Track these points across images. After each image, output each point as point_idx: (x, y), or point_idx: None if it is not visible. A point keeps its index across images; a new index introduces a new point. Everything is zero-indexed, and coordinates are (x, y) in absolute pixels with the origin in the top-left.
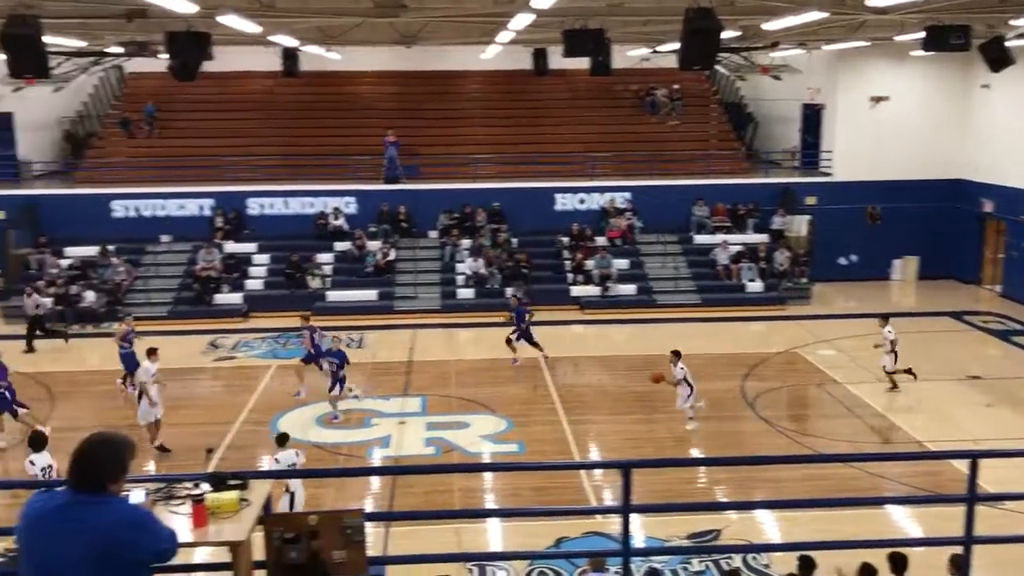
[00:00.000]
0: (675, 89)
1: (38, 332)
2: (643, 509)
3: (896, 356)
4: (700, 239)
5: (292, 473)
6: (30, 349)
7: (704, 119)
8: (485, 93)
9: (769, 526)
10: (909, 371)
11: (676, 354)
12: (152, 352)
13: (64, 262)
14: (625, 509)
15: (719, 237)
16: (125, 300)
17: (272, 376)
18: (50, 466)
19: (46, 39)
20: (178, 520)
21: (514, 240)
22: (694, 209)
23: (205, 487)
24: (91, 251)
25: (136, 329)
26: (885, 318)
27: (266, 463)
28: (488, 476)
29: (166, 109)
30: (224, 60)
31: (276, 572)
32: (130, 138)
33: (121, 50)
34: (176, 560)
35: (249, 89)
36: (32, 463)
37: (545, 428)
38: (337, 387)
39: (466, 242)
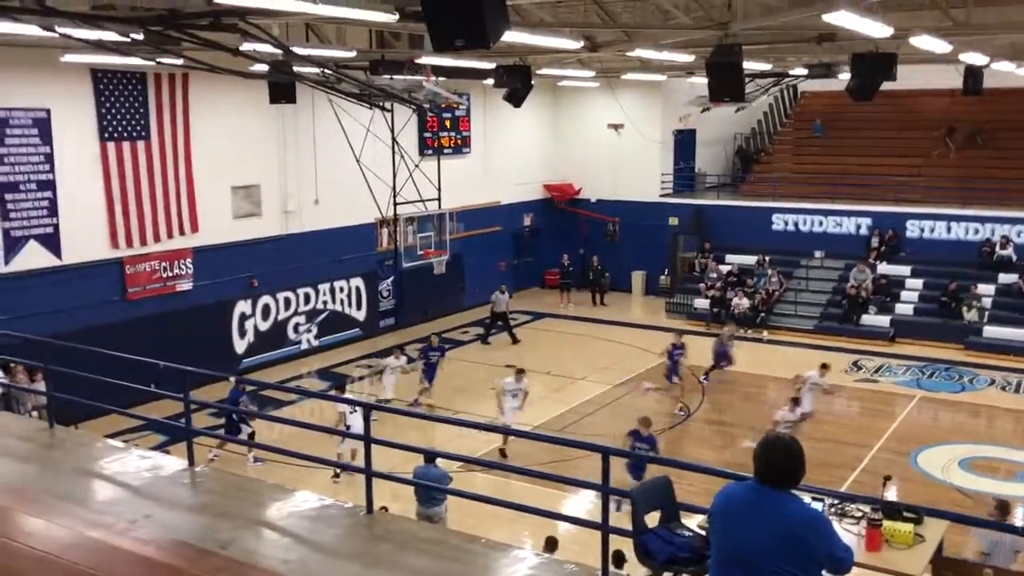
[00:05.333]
0: None
1: (499, 324)
2: None
3: None
4: None
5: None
6: (486, 340)
7: None
8: None
9: None
10: None
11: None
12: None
13: (724, 268)
14: None
15: None
16: (774, 310)
17: (914, 406)
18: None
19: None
20: (849, 538)
21: None
22: None
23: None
24: (749, 260)
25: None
26: None
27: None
28: None
29: (834, 127)
30: (900, 79)
31: None
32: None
33: (804, 72)
34: None
35: (923, 107)
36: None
37: None
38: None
39: None
